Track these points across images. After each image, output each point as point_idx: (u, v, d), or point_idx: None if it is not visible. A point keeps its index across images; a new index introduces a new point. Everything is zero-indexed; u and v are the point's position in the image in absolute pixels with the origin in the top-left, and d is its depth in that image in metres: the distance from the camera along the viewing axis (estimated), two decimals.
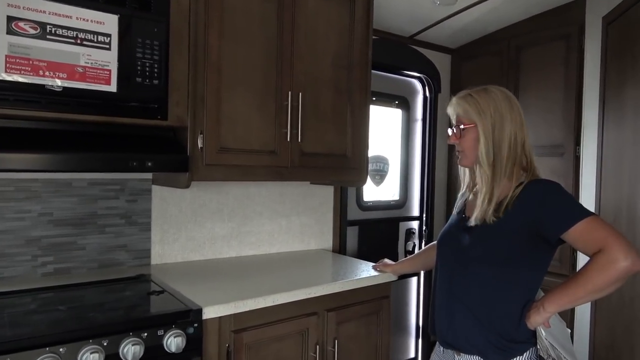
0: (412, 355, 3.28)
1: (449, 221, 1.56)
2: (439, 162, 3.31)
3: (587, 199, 2.48)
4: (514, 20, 2.86)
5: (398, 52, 3.02)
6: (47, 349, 1.26)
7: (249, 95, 1.92)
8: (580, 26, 2.54)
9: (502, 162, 1.35)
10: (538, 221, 1.27)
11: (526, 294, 1.33)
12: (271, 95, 1.98)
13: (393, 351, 3.16)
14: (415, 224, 3.26)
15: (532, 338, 1.32)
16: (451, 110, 1.46)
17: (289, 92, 2.01)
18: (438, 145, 3.29)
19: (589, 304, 2.43)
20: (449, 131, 1.47)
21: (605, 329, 2.32)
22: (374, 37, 2.80)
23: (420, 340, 3.28)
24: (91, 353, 1.30)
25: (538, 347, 1.30)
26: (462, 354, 1.37)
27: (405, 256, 3.20)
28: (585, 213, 1.24)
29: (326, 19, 2.13)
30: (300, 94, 2.04)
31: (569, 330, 1.45)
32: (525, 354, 1.32)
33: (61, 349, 1.28)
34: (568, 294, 1.25)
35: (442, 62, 3.28)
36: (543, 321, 1.29)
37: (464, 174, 1.55)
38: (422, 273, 3.28)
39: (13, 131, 1.49)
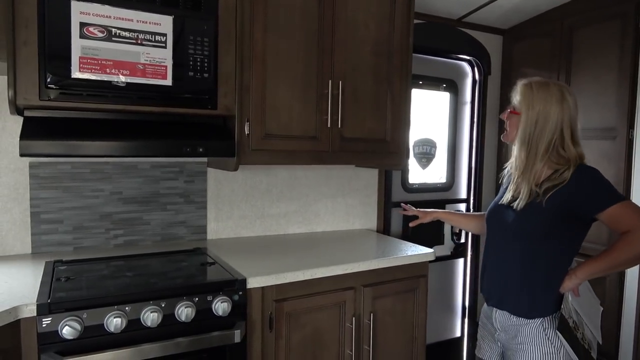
0: (458, 334, 3.34)
1: (497, 196, 1.70)
2: (488, 144, 3.30)
3: (639, 183, 2.41)
4: None
5: (445, 36, 3.02)
6: (116, 307, 1.50)
7: (292, 84, 2.06)
8: (637, 4, 2.43)
9: (537, 153, 1.49)
10: (576, 201, 1.43)
11: (560, 265, 1.49)
12: (312, 84, 2.10)
13: (439, 330, 3.24)
14: (462, 206, 3.29)
15: (559, 302, 1.49)
16: (514, 92, 1.59)
17: (330, 81, 2.12)
18: (487, 128, 3.27)
19: (636, 283, 2.42)
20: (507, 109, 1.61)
21: None
22: (420, 21, 2.84)
23: (466, 320, 3.34)
24: (151, 312, 1.53)
25: (562, 307, 1.45)
26: (498, 310, 1.60)
27: (452, 238, 3.26)
28: (621, 197, 1.40)
29: (366, 9, 2.21)
30: (340, 82, 2.15)
31: (602, 309, 1.60)
32: (552, 315, 1.49)
33: (127, 308, 1.51)
34: (597, 265, 1.43)
35: (493, 43, 3.24)
36: (573, 286, 1.47)
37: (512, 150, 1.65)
38: (469, 256, 3.31)
39: (86, 122, 1.74)
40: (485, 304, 1.69)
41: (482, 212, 1.92)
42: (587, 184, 1.42)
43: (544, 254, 1.48)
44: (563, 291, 1.48)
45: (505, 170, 1.70)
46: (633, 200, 2.46)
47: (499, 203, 1.62)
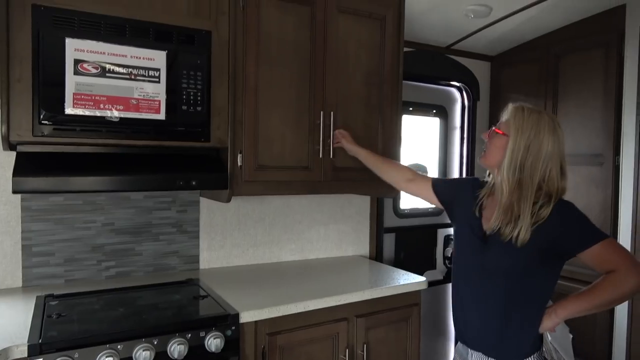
0: (451, 359, 3.33)
1: (467, 223, 1.56)
2: (478, 168, 3.33)
3: (626, 210, 2.45)
4: (552, 27, 2.85)
5: (435, 63, 3.08)
6: (107, 345, 1.48)
7: (284, 115, 2.08)
8: (620, 33, 2.51)
9: (531, 187, 1.40)
10: (559, 239, 1.37)
11: (538, 303, 1.43)
12: (304, 114, 2.13)
13: (433, 356, 3.23)
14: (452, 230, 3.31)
15: (537, 342, 1.45)
16: (504, 113, 1.52)
17: (321, 112, 2.15)
18: (477, 152, 3.31)
19: (625, 314, 2.42)
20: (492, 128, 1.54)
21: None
22: (410, 49, 2.89)
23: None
24: (144, 350, 1.51)
25: (544, 349, 1.42)
26: (474, 352, 1.51)
27: (444, 262, 3.27)
28: (603, 235, 1.36)
29: (357, 40, 2.25)
30: (332, 112, 2.17)
31: (572, 336, 1.54)
32: (531, 356, 1.43)
33: (119, 346, 1.50)
34: (579, 304, 1.38)
35: (481, 70, 3.30)
36: (553, 326, 1.41)
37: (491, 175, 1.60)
38: None
39: (79, 157, 1.74)
40: (459, 342, 1.59)
41: (410, 167, 2.00)
42: (571, 221, 1.37)
43: (522, 293, 1.41)
44: (542, 331, 1.42)
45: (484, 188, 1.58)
46: (620, 227, 2.50)
47: (472, 234, 1.51)
